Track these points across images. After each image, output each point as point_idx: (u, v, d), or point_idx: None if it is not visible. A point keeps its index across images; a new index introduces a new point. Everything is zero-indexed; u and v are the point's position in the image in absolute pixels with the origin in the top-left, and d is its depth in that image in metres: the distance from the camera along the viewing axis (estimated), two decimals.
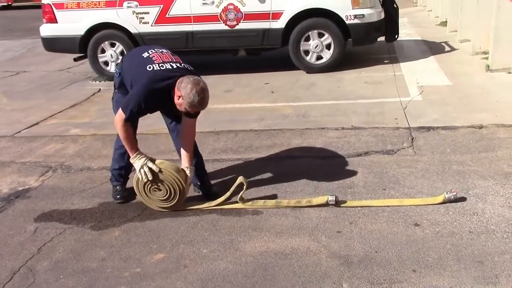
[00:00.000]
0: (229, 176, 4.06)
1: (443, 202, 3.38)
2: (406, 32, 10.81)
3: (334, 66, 7.49)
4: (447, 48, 8.73)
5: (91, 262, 3.05)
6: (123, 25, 7.76)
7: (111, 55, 7.96)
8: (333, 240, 3.06)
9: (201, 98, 3.23)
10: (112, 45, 7.95)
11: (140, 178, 3.45)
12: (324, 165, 4.19)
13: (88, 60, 8.18)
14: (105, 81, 8.05)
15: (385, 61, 7.97)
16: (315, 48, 7.46)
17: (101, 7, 7.78)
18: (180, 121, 3.61)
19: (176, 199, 3.55)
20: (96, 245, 3.23)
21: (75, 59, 8.43)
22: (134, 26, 7.74)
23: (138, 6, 7.67)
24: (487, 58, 7.09)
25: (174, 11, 7.60)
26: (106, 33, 7.91)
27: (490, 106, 5.32)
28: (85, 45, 7.96)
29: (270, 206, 3.54)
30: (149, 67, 3.35)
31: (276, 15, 7.40)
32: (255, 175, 4.09)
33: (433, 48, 8.77)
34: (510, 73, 6.39)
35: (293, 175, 4.00)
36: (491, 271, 2.65)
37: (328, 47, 7.45)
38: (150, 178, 3.43)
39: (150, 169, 3.42)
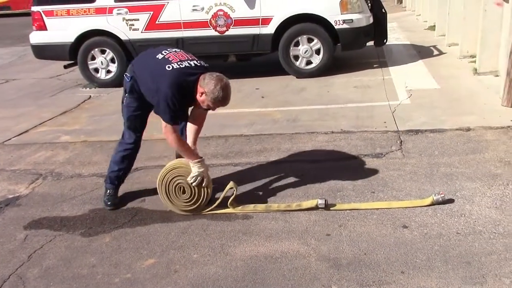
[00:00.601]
0: (219, 181, 4.07)
1: (431, 204, 3.42)
2: (395, 36, 10.90)
3: (324, 70, 7.54)
4: (435, 52, 8.82)
5: (82, 268, 3.05)
6: (113, 32, 7.78)
7: (101, 62, 7.97)
8: (322, 243, 3.09)
9: (225, 94, 3.32)
10: (102, 52, 7.96)
11: (191, 182, 3.49)
12: (313, 169, 4.22)
13: (78, 67, 8.19)
14: (95, 88, 8.06)
15: (374, 65, 8.03)
16: (305, 53, 7.50)
17: (91, 14, 7.80)
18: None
19: (198, 204, 3.60)
20: (86, 252, 3.23)
21: (65, 66, 8.43)
22: (124, 33, 7.76)
23: (128, 13, 7.69)
24: (474, 62, 7.16)
25: (164, 17, 7.62)
26: (96, 40, 7.92)
27: (478, 108, 5.38)
28: (75, 52, 7.97)
29: (260, 210, 3.56)
30: (168, 67, 3.36)
31: (266, 21, 7.44)
32: (245, 180, 4.11)
33: (422, 52, 8.84)
34: (497, 76, 6.46)
35: (283, 179, 4.03)
36: (478, 271, 2.68)
37: (317, 52, 7.50)
38: (196, 185, 3.50)
39: (202, 180, 3.51)
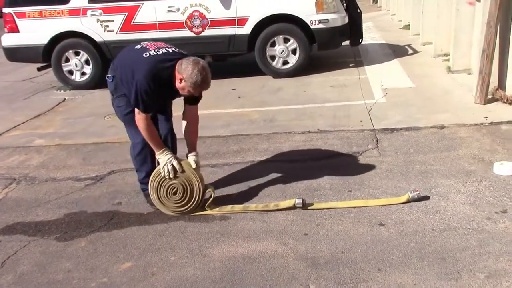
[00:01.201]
0: None
1: (407, 201, 3.45)
2: (371, 35, 11.01)
3: (300, 70, 7.56)
4: (410, 51, 8.92)
5: (57, 274, 3.00)
6: (87, 34, 7.69)
7: (75, 64, 7.87)
8: (300, 242, 3.09)
9: (204, 77, 3.22)
10: (77, 53, 7.86)
11: (163, 175, 3.44)
12: (291, 168, 4.22)
13: (52, 69, 8.06)
14: (70, 90, 7.95)
15: (351, 65, 8.10)
16: (281, 53, 7.52)
17: (64, 15, 7.69)
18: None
19: (192, 204, 3.54)
20: (61, 257, 3.18)
21: (39, 69, 8.32)
22: (99, 34, 7.67)
23: (103, 14, 7.61)
24: (448, 60, 7.28)
25: (139, 18, 7.56)
26: (70, 41, 7.82)
27: (452, 106, 5.46)
28: (49, 54, 7.86)
29: (238, 211, 3.55)
30: (145, 54, 3.33)
31: (242, 21, 7.44)
32: (223, 180, 4.11)
33: (397, 51, 8.94)
34: (470, 74, 6.56)
35: (261, 179, 4.03)
36: (453, 267, 2.71)
37: (294, 52, 7.53)
38: (172, 176, 3.43)
39: (173, 167, 3.42)
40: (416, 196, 3.45)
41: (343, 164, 4.22)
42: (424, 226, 3.14)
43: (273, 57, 7.57)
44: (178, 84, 3.29)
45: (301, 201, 3.49)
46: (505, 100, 5.27)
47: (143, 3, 7.51)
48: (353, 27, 7.96)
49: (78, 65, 7.87)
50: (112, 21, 7.61)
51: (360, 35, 8.16)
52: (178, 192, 3.51)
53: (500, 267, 2.67)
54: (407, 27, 11.37)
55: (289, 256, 2.96)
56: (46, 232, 3.52)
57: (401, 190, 3.63)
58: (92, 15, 7.62)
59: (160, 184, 3.51)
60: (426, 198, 3.49)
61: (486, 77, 5.37)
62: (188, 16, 7.48)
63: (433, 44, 8.21)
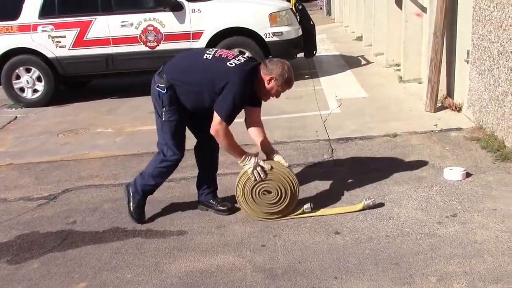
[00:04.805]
0: (155, 198, 4.02)
1: (363, 209, 3.51)
2: (325, 47, 11.22)
3: None
4: (363, 62, 9.14)
5: None
6: (38, 50, 7.56)
7: (27, 81, 7.71)
8: (257, 254, 3.10)
9: (292, 74, 3.33)
10: (28, 70, 7.71)
11: (254, 179, 3.36)
12: None
13: (2, 87, 7.85)
14: (21, 108, 7.76)
15: (306, 76, 8.22)
16: None
17: (14, 32, 7.54)
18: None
19: (287, 201, 3.44)
20: (13, 280, 3.08)
21: None
22: (51, 50, 7.55)
23: (54, 30, 7.50)
24: (399, 70, 7.49)
25: (92, 34, 7.48)
26: (20, 58, 7.67)
27: (403, 115, 5.61)
28: None
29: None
30: (230, 64, 3.26)
31: (197, 35, 7.46)
32: (180, 195, 4.09)
33: (350, 62, 9.14)
34: (420, 83, 6.77)
35: (218, 192, 4.01)
36: (407, 271, 2.77)
37: None
38: (263, 178, 3.35)
39: (262, 168, 3.35)
40: (371, 203, 3.52)
41: (299, 174, 4.26)
42: (378, 233, 3.20)
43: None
44: (267, 85, 3.31)
45: (309, 206, 3.50)
46: (454, 108, 5.46)
47: (95, 18, 7.44)
48: (307, 39, 8.11)
49: (29, 82, 7.71)
50: (64, 36, 7.50)
51: (314, 47, 8.31)
52: (273, 193, 3.42)
53: (451, 269, 2.74)
54: (359, 38, 11.64)
55: (246, 268, 2.96)
56: None
57: (356, 198, 3.70)
58: (43, 31, 7.50)
59: (251, 188, 3.42)
60: (380, 205, 3.56)
61: (435, 86, 5.55)
62: (142, 30, 7.45)
63: (385, 55, 8.44)
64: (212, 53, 3.39)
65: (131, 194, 3.66)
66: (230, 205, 3.73)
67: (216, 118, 3.25)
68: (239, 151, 3.39)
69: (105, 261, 3.20)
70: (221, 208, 3.70)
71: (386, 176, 4.06)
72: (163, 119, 3.43)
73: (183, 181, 4.36)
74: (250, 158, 3.36)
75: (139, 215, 3.67)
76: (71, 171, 4.84)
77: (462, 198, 3.56)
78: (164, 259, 3.16)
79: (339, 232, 3.26)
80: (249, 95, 3.35)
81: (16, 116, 7.31)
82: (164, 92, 3.36)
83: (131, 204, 3.65)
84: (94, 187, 4.41)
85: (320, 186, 3.99)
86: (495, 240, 2.99)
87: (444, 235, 3.09)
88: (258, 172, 3.36)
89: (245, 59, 3.39)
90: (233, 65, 3.26)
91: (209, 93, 3.30)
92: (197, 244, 3.30)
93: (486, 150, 4.33)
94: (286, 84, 3.35)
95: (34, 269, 3.18)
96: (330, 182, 4.05)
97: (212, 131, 3.30)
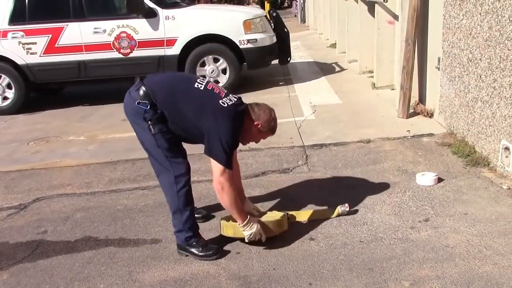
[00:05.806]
0: (128, 206, 3.97)
1: (337, 215, 3.53)
2: (299, 54, 11.29)
3: (231, 89, 7.59)
4: (337, 69, 9.22)
5: None
6: (8, 57, 7.42)
7: None
8: (232, 261, 3.08)
9: (276, 121, 3.29)
10: None
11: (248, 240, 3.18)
12: None
13: None
14: None
15: (280, 83, 8.24)
16: (211, 73, 7.56)
17: None
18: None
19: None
20: None
21: None
22: (21, 57, 7.42)
23: (25, 36, 7.38)
24: (373, 77, 7.58)
25: (64, 40, 7.39)
26: None
27: (377, 121, 5.67)
28: None
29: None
30: (223, 103, 3.02)
31: (170, 42, 7.43)
32: (154, 202, 4.04)
33: (324, 69, 9.21)
34: (393, 89, 6.86)
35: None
36: (381, 276, 2.79)
37: (224, 71, 7.59)
38: (264, 240, 3.19)
39: (261, 235, 3.18)
40: (345, 209, 3.53)
41: (274, 181, 4.27)
42: (352, 238, 3.22)
43: (203, 77, 7.57)
44: (253, 129, 3.15)
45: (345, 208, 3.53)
46: (426, 114, 5.54)
47: (67, 25, 7.36)
48: (282, 46, 8.15)
49: None
50: (35, 43, 7.38)
51: (288, 53, 8.35)
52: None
53: (424, 274, 2.77)
54: (333, 45, 11.75)
55: (221, 276, 2.94)
56: None
57: (331, 205, 3.71)
58: (13, 37, 7.37)
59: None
60: (354, 211, 3.58)
61: (407, 92, 5.63)
62: (115, 37, 7.39)
63: (358, 62, 8.54)
64: (203, 83, 3.14)
65: (186, 247, 3.22)
66: (204, 212, 3.70)
67: (217, 168, 2.99)
68: (243, 214, 3.14)
69: (77, 271, 3.14)
70: (195, 215, 3.66)
71: (359, 182, 4.09)
72: (153, 132, 3.06)
73: (157, 189, 4.29)
74: (252, 224, 3.14)
75: (208, 249, 3.20)
76: (42, 179, 4.75)
77: (434, 203, 3.61)
78: (137, 268, 3.11)
79: (314, 238, 3.27)
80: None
81: None
82: (148, 108, 3.03)
83: (195, 252, 3.19)
84: (66, 196, 4.33)
85: (295, 192, 4.00)
86: (466, 244, 3.03)
87: (417, 240, 3.13)
88: (257, 238, 3.17)
89: (235, 99, 3.16)
90: (226, 105, 3.03)
91: (197, 130, 3.08)
92: (171, 252, 3.27)
93: (457, 156, 4.40)
94: (270, 131, 3.28)
95: (4, 281, 3.10)
96: (304, 188, 4.07)
97: (216, 184, 3.01)
